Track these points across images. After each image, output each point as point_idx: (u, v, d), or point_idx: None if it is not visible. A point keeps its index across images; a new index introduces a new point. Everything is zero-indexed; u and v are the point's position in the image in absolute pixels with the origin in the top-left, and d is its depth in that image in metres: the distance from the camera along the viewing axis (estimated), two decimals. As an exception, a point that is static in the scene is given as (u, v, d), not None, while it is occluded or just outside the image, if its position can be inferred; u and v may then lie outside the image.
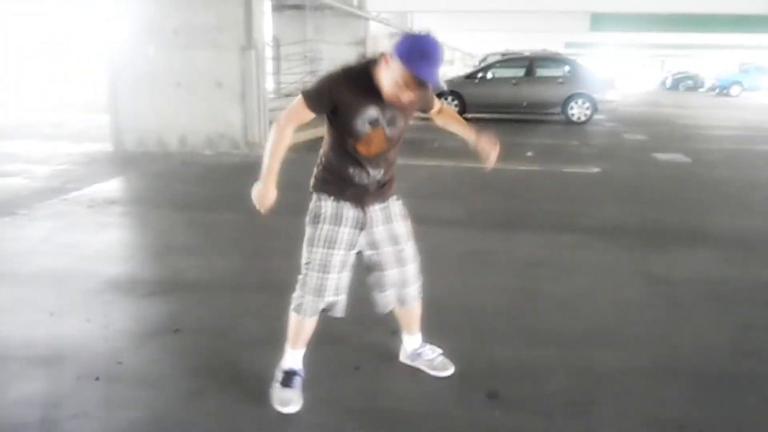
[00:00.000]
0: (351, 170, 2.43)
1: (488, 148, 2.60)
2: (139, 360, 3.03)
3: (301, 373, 2.64)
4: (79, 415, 2.53)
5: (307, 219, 2.51)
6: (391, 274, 2.60)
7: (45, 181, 7.13)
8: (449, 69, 26.11)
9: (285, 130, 2.38)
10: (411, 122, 2.53)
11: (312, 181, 2.52)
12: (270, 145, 2.39)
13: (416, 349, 2.87)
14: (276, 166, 2.39)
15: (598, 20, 18.02)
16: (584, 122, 14.07)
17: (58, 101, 19.84)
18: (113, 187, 7.14)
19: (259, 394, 2.61)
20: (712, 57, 40.35)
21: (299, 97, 2.36)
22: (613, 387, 2.82)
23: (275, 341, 2.71)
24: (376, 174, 2.46)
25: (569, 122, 14.09)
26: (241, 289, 3.98)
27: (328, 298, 2.51)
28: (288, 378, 2.61)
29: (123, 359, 3.01)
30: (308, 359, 2.67)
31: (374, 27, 15.58)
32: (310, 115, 2.36)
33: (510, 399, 2.69)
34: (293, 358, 2.64)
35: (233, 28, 8.44)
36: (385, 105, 2.33)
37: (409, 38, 2.23)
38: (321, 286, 2.48)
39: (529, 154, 9.46)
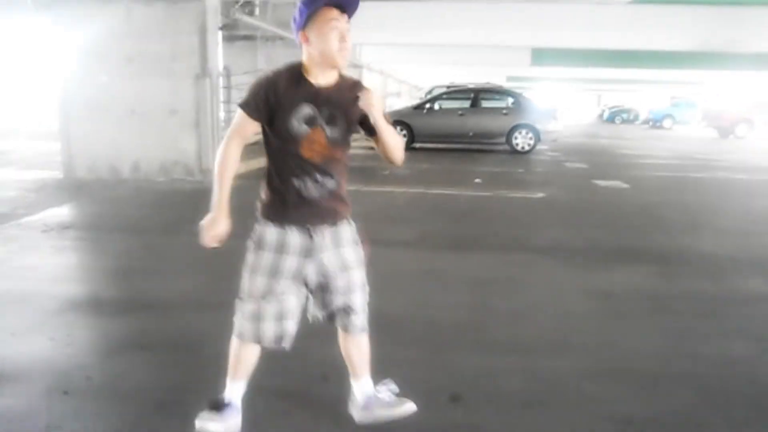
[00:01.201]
0: (296, 182, 2.26)
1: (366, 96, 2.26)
2: (107, 375, 3.07)
3: (236, 407, 2.45)
4: (51, 427, 2.57)
5: (249, 243, 2.37)
6: (336, 300, 2.40)
7: (-6, 207, 7.01)
8: (397, 101, 26.66)
9: (230, 147, 2.29)
10: (354, 143, 2.42)
11: (257, 205, 2.39)
12: (217, 168, 2.31)
13: (369, 395, 2.55)
14: (225, 194, 2.31)
15: (539, 55, 18.82)
16: (528, 151, 14.61)
17: (4, 129, 19.33)
18: (66, 212, 7.08)
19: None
20: (646, 91, 42.37)
21: (238, 111, 2.28)
22: (565, 388, 3.02)
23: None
24: (326, 183, 2.29)
25: (514, 152, 14.60)
26: (204, 307, 4.03)
27: (268, 323, 2.34)
28: (218, 405, 2.44)
29: (91, 374, 3.06)
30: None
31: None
32: (253, 126, 2.26)
33: (472, 400, 2.87)
34: (231, 391, 2.46)
35: (188, 56, 8.54)
36: (320, 102, 2.22)
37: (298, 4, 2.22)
38: (260, 314, 2.33)
39: (478, 180, 9.81)
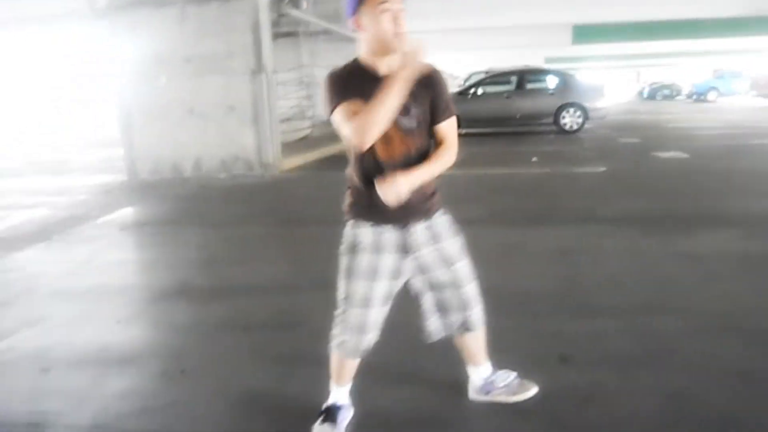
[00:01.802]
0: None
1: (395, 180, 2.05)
2: (215, 354, 3.17)
3: (345, 408, 2.40)
4: (173, 403, 2.66)
5: (343, 248, 2.24)
6: (447, 296, 2.31)
7: (69, 210, 7.24)
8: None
9: (354, 123, 1.98)
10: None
11: (345, 207, 2.26)
12: (369, 126, 1.95)
13: (487, 378, 2.53)
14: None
15: (580, 32, 18.51)
16: (576, 130, 14.39)
17: (66, 138, 19.96)
18: (139, 211, 7.28)
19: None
20: (687, 65, 41.32)
21: (334, 115, 2.05)
22: (674, 346, 2.99)
23: None
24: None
25: (562, 131, 14.41)
26: (297, 289, 4.13)
27: (371, 333, 2.25)
28: (328, 413, 2.37)
29: (202, 353, 3.17)
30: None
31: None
32: (356, 103, 2.00)
33: (581, 361, 2.88)
34: (338, 393, 2.41)
35: (243, 53, 8.69)
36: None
37: None
38: (363, 323, 2.22)
39: (535, 159, 9.73)
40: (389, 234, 2.18)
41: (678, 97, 39.06)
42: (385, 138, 2.04)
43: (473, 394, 2.56)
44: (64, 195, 8.29)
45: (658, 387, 2.61)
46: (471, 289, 2.33)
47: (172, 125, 9.00)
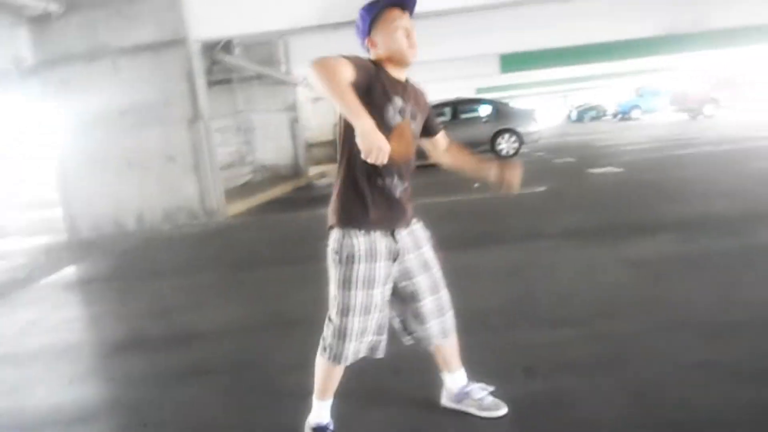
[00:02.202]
0: (380, 181, 2.20)
1: (513, 174, 2.43)
2: (176, 403, 3.07)
3: (331, 426, 2.42)
4: None
5: (335, 258, 2.23)
6: (428, 303, 2.37)
7: (9, 273, 6.96)
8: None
9: (336, 65, 1.95)
10: None
11: (332, 215, 2.26)
12: (331, 81, 1.91)
13: (463, 387, 2.56)
14: (357, 101, 1.93)
15: (508, 61, 19.18)
16: (513, 155, 14.82)
17: (1, 200, 19.18)
18: (82, 269, 7.05)
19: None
20: (611, 86, 43.14)
21: (335, 57, 1.98)
22: (629, 347, 3.09)
23: (309, 364, 2.51)
24: (403, 181, 2.27)
25: (499, 157, 14.79)
26: (253, 330, 4.07)
27: (370, 337, 2.30)
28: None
29: (161, 404, 3.08)
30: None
31: (300, 93, 16.05)
32: (349, 72, 1.98)
33: (545, 371, 2.93)
34: (321, 411, 2.41)
35: (179, 102, 8.63)
36: (407, 97, 2.23)
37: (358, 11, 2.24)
38: (365, 329, 2.26)
39: (476, 185, 9.92)
40: (380, 240, 2.23)
41: (604, 117, 40.70)
42: (400, 134, 2.17)
43: (446, 400, 2.60)
44: (2, 259, 7.97)
45: (622, 387, 2.68)
46: (446, 294, 2.45)
47: (110, 179, 8.81)
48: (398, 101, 2.19)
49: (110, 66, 8.57)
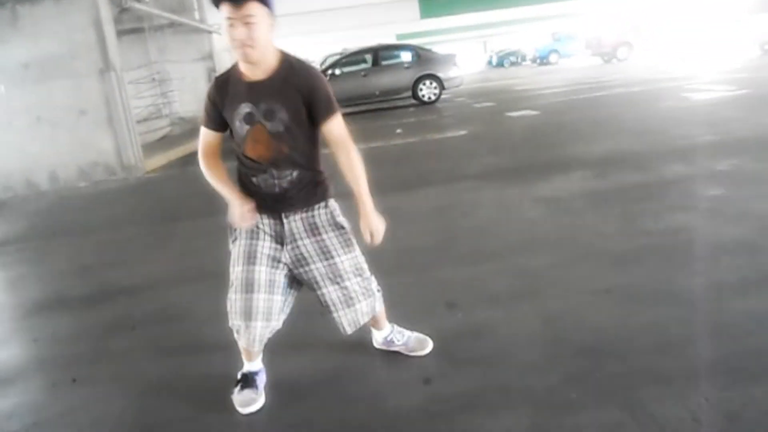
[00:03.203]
0: (255, 179, 2.22)
1: (370, 228, 2.29)
2: (102, 357, 3.07)
3: (261, 372, 2.47)
4: (63, 414, 2.56)
5: (229, 237, 2.34)
6: (329, 292, 2.32)
7: None
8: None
9: (206, 162, 2.25)
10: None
11: None
12: (210, 179, 2.25)
13: (386, 337, 2.64)
14: (228, 186, 2.23)
15: (427, 6, 19.11)
16: (435, 101, 14.93)
17: None
18: (-6, 232, 6.76)
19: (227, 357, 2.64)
20: (529, 31, 43.77)
21: (201, 129, 2.25)
22: (545, 278, 3.29)
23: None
24: (286, 177, 2.20)
25: (422, 103, 14.89)
26: (179, 282, 4.06)
27: (259, 322, 2.25)
28: (246, 379, 2.42)
29: (89, 359, 3.06)
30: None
31: (216, 41, 15.51)
32: (213, 135, 2.23)
33: (466, 304, 3.08)
34: (250, 364, 2.46)
35: (87, 52, 8.20)
36: (257, 99, 2.11)
37: None
38: (249, 309, 2.23)
39: (399, 131, 10.03)
40: (264, 223, 2.25)
41: (524, 63, 41.34)
42: (254, 139, 2.14)
43: (376, 345, 2.71)
44: None
45: (537, 315, 2.86)
46: (355, 284, 2.35)
47: (19, 137, 8.36)
48: (244, 108, 2.12)
49: (9, 15, 8.02)
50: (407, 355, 2.63)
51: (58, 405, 2.64)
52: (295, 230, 2.26)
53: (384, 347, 2.68)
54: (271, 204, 2.23)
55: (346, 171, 2.26)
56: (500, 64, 42.94)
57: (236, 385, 2.42)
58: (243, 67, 2.12)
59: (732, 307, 2.70)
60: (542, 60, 36.52)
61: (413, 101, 15.00)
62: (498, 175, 5.89)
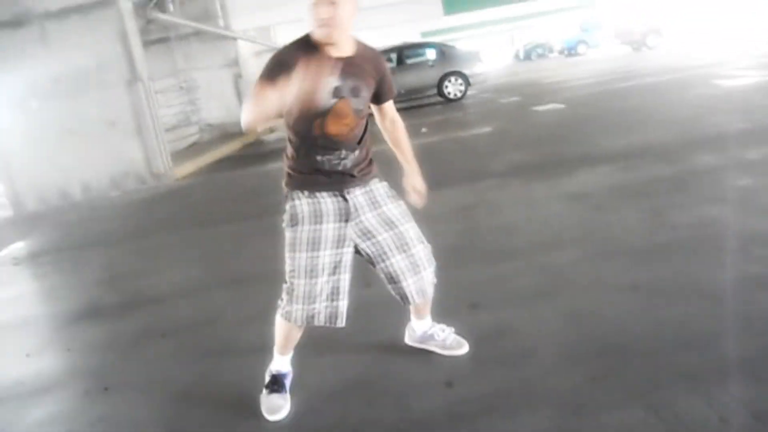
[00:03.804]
0: (320, 158, 2.20)
1: (415, 188, 2.47)
2: (135, 366, 3.13)
3: (289, 375, 2.48)
4: (101, 419, 2.63)
5: (284, 222, 2.28)
6: (398, 261, 2.33)
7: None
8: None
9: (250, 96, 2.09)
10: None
11: (284, 179, 2.31)
12: (257, 103, 2.00)
13: (426, 331, 2.65)
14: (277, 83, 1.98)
15: (450, 2, 19.01)
16: (460, 98, 14.84)
17: None
18: (31, 243, 6.92)
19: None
20: (555, 22, 43.22)
21: (256, 82, 2.09)
22: (569, 275, 3.26)
23: (265, 317, 2.62)
24: (349, 156, 2.24)
25: (447, 100, 14.82)
26: (209, 289, 4.12)
27: (321, 304, 2.26)
28: (275, 382, 2.44)
29: (121, 368, 3.12)
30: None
31: (241, 47, 15.68)
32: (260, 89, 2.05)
33: (490, 304, 3.08)
34: (281, 362, 2.47)
35: (115, 65, 8.38)
36: (344, 74, 2.13)
37: None
38: (311, 293, 2.24)
39: (424, 130, 10.00)
40: (327, 202, 2.23)
41: (551, 54, 40.84)
42: (337, 115, 2.14)
43: (409, 340, 2.71)
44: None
45: (561, 313, 2.84)
46: (420, 251, 2.39)
47: (51, 150, 8.58)
48: (332, 81, 2.10)
49: (38, 32, 8.23)
50: (431, 356, 2.63)
51: (90, 413, 2.70)
52: (358, 205, 2.27)
53: (418, 343, 2.68)
54: (334, 182, 2.23)
55: (401, 140, 2.50)
56: (528, 57, 42.47)
57: (266, 387, 2.45)
58: (323, 44, 2.12)
59: (761, 301, 2.64)
60: (570, 51, 36.05)
61: (439, 99, 14.94)
62: (523, 172, 5.85)
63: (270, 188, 7.45)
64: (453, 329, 2.70)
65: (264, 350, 2.56)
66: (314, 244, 2.21)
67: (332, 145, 2.19)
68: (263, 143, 13.58)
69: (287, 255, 2.27)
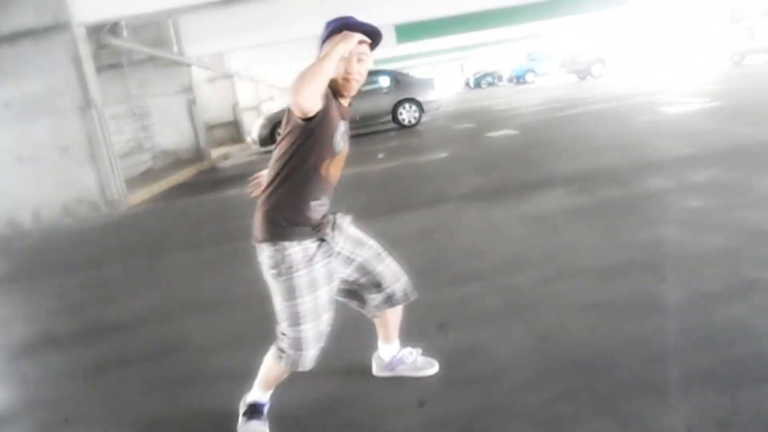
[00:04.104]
0: (313, 203, 2.18)
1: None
2: (94, 396, 3.05)
3: (267, 404, 2.45)
4: None
5: (273, 273, 2.19)
6: (380, 271, 2.44)
7: None
8: (271, 105, 26.47)
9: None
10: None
11: (260, 231, 2.19)
12: (315, 67, 1.94)
13: (395, 355, 2.67)
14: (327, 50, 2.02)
15: (403, 31, 19.35)
16: (415, 124, 15.08)
17: None
18: (-23, 273, 6.68)
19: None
20: (503, 52, 44.39)
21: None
22: (533, 295, 3.34)
23: (230, 346, 2.69)
24: (328, 202, 2.28)
25: (401, 127, 15.02)
26: (170, 316, 4.05)
27: (321, 343, 2.28)
28: (254, 409, 2.41)
29: (80, 398, 3.04)
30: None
31: (195, 73, 15.58)
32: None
33: (457, 324, 3.12)
34: (261, 395, 2.43)
35: (68, 90, 8.21)
36: (346, 120, 2.23)
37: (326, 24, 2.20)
38: (320, 333, 2.25)
39: (381, 155, 10.10)
40: (313, 245, 2.21)
41: (500, 83, 41.83)
42: (340, 159, 2.23)
43: (378, 370, 2.71)
44: None
45: (528, 332, 2.90)
46: (391, 260, 2.51)
47: (1, 176, 8.30)
48: (342, 126, 2.18)
49: (-13, 55, 8.03)
50: (401, 378, 2.64)
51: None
52: (335, 240, 2.32)
53: (388, 372, 2.68)
54: (317, 230, 2.22)
55: None
56: (477, 85, 43.38)
57: (243, 416, 2.40)
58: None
59: (716, 316, 2.76)
60: (519, 79, 37.03)
61: (394, 125, 15.12)
62: (481, 196, 5.97)
63: (226, 215, 7.43)
64: (420, 350, 2.72)
65: (233, 377, 2.53)
66: (313, 286, 2.19)
67: (326, 189, 2.22)
68: (217, 170, 13.46)
69: (284, 305, 2.20)
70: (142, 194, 9.83)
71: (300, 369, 2.27)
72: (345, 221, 2.41)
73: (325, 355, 2.38)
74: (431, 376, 2.64)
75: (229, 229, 6.22)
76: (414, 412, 2.40)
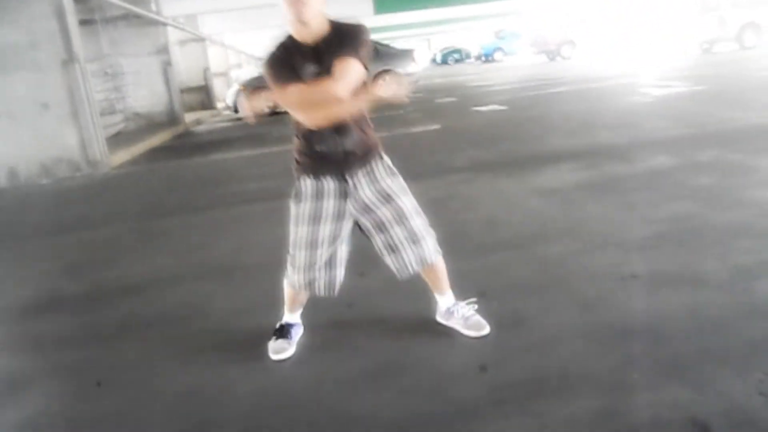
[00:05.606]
0: (319, 146, 2.37)
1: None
2: (129, 361, 2.92)
3: (297, 326, 2.73)
4: (98, 419, 2.44)
5: (291, 199, 2.49)
6: (396, 233, 2.47)
7: None
8: (241, 72, 25.90)
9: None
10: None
11: (293, 165, 2.50)
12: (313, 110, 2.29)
13: (449, 307, 2.72)
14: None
15: (383, 2, 19.11)
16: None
17: None
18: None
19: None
20: (472, 29, 44.32)
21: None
22: (568, 266, 3.33)
23: (253, 310, 2.72)
24: (346, 139, 2.36)
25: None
26: (183, 279, 3.92)
27: (319, 272, 2.50)
28: (282, 329, 2.70)
29: (110, 364, 2.92)
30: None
31: (171, 34, 15.10)
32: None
33: (497, 292, 3.09)
34: (290, 316, 2.73)
35: (49, 43, 7.82)
36: (321, 60, 2.23)
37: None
38: (311, 262, 2.47)
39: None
40: (329, 182, 2.41)
41: (468, 60, 41.82)
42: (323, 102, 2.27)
43: (438, 317, 2.77)
44: None
45: (572, 302, 2.89)
46: (418, 224, 2.52)
47: (-25, 132, 7.90)
48: (310, 68, 2.26)
49: (-36, 3, 7.58)
50: (453, 341, 2.63)
51: (90, 412, 2.50)
52: (357, 184, 2.42)
53: (443, 320, 2.74)
54: (336, 165, 2.39)
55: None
56: (444, 62, 43.29)
57: (274, 334, 2.68)
58: (297, 33, 2.27)
59: (758, 288, 2.80)
60: (487, 57, 37.02)
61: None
62: (487, 168, 5.95)
63: (215, 180, 7.22)
64: (476, 306, 2.74)
65: (260, 339, 2.62)
66: (315, 219, 2.42)
67: (326, 131, 2.33)
68: (194, 134, 13.15)
69: (291, 228, 2.49)
70: (122, 156, 9.53)
71: (296, 288, 2.56)
72: (381, 169, 2.47)
73: (360, 318, 2.38)
74: (485, 343, 2.61)
75: (222, 195, 6.07)
76: (477, 377, 2.37)
